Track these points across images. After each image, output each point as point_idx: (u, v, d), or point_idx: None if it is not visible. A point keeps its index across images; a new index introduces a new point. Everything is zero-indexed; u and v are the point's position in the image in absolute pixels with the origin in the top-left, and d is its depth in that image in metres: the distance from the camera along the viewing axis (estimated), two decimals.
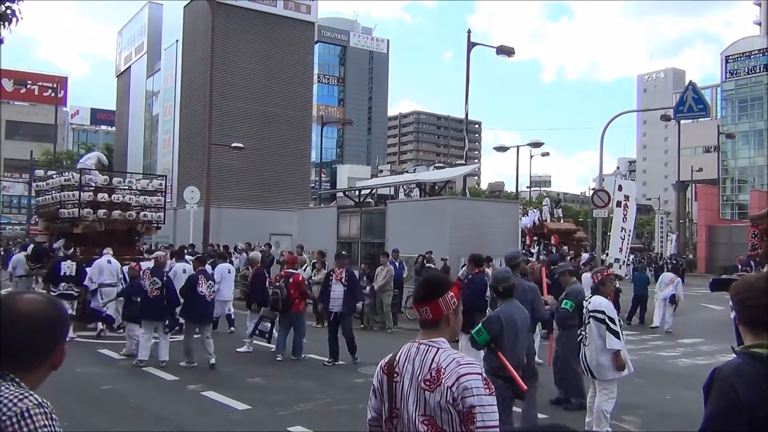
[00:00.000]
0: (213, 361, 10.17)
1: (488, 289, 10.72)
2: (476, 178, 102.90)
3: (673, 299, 16.41)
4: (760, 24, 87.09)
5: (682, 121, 41.20)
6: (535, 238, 30.92)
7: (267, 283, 12.29)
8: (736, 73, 72.22)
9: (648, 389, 9.30)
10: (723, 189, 67.26)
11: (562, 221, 33.56)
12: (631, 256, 26.93)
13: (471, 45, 22.31)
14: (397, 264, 16.23)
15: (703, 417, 2.39)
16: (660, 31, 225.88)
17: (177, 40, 38.24)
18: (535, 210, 33.29)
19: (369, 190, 24.15)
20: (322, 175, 65.65)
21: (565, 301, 8.32)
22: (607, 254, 18.26)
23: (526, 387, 5.24)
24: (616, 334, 6.33)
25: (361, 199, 22.91)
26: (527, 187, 60.73)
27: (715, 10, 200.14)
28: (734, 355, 2.49)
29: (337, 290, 10.78)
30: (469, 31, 22.29)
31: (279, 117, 35.79)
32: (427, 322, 2.63)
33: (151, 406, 8.04)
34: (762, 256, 17.52)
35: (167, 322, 10.73)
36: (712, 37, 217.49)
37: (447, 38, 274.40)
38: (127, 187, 16.58)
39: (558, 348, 8.61)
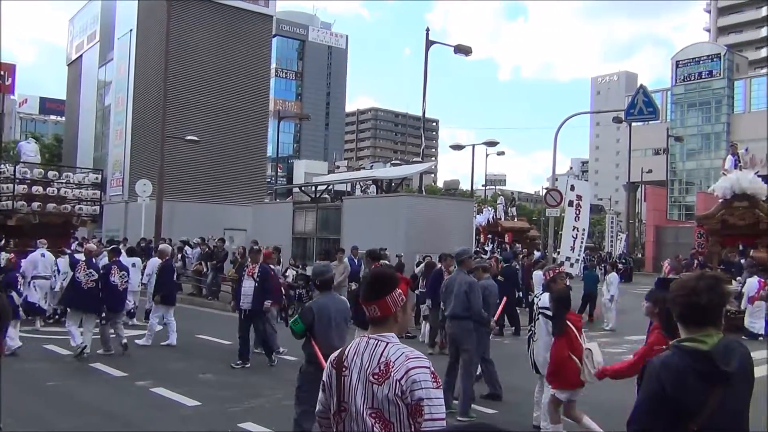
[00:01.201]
0: (125, 341, 10.80)
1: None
2: (433, 175, 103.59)
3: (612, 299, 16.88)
4: (709, 30, 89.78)
5: (633, 124, 42.25)
6: (490, 236, 31.35)
7: (175, 276, 12.28)
8: (685, 78, 74.34)
9: (594, 384, 9.51)
10: (671, 190, 69.17)
11: (515, 220, 34.10)
12: (584, 255, 27.52)
13: (429, 43, 22.41)
14: (356, 260, 16.24)
15: (634, 404, 2.53)
16: (613, 34, 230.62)
17: (131, 30, 37.43)
18: (490, 208, 33.75)
19: (325, 186, 24.11)
20: (279, 170, 65.14)
21: None
22: (559, 252, 18.60)
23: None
24: None
25: (317, 195, 22.86)
26: (483, 186, 61.48)
27: (667, 14, 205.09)
28: None
29: (248, 286, 10.30)
30: (427, 30, 22.39)
31: (235, 110, 35.35)
32: (375, 320, 2.65)
33: (98, 402, 7.89)
34: (707, 255, 18.15)
35: (103, 314, 10.78)
36: (663, 41, 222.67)
37: (405, 35, 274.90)
38: (63, 181, 16.77)
39: None
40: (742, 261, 16.56)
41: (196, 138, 25.18)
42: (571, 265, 18.07)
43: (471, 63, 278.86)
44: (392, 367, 2.48)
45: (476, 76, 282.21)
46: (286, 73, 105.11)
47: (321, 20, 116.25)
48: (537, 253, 24.74)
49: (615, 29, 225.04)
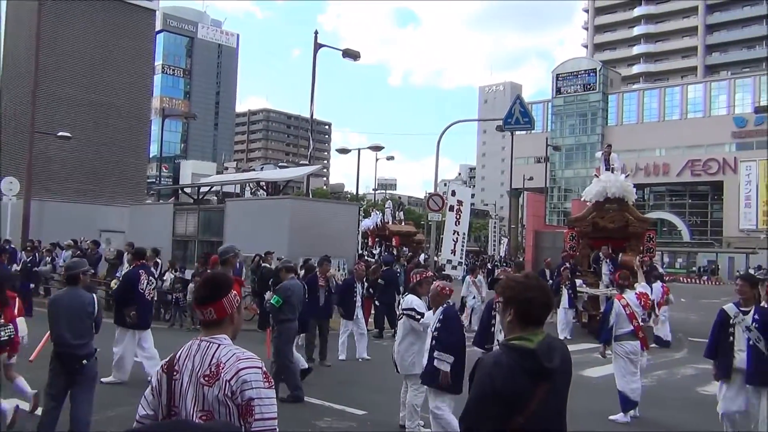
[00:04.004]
0: None
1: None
2: (324, 179, 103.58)
3: None
4: (587, 47, 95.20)
5: (516, 133, 44.01)
6: (377, 239, 31.75)
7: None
8: (564, 91, 78.48)
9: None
10: (550, 197, 72.61)
11: (403, 224, 34.66)
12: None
13: (318, 46, 22.34)
14: (237, 264, 15.89)
15: (466, 402, 2.59)
16: (501, 45, 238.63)
17: None
18: (378, 212, 34.12)
19: (209, 187, 23.54)
20: (164, 170, 62.94)
21: (273, 296, 8.68)
22: (440, 255, 19.06)
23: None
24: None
25: (201, 196, 22.26)
26: (373, 190, 62.04)
27: (550, 28, 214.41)
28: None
29: None
30: (316, 32, 22.30)
31: (113, 107, 33.81)
32: (210, 322, 2.63)
33: None
34: (578, 258, 18.82)
35: None
36: (546, 54, 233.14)
37: (298, 35, 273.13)
38: None
39: (273, 342, 8.75)
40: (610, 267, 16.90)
41: (68, 134, 23.88)
42: (453, 268, 18.55)
43: (364, 67, 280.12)
44: (222, 368, 2.47)
45: (369, 80, 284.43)
46: (173, 70, 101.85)
47: (211, 18, 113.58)
48: (422, 256, 25.28)
49: (502, 40, 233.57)
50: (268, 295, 13.04)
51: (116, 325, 9.20)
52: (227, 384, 2.43)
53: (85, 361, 6.06)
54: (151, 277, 9.49)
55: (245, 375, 2.44)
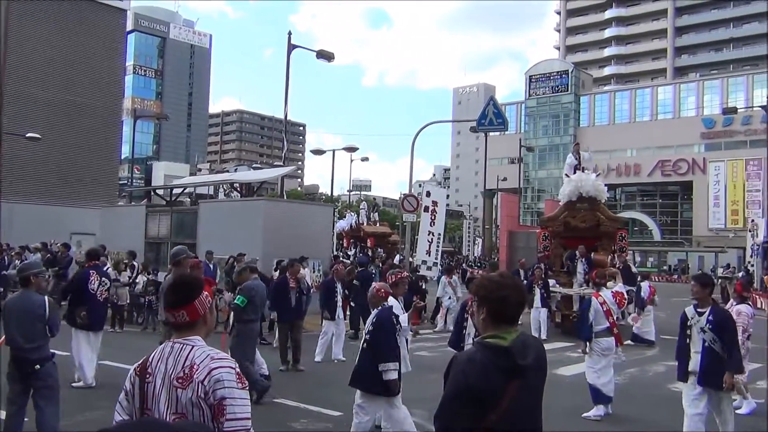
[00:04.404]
0: None
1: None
2: (299, 180, 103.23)
3: None
4: (559, 48, 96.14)
5: (490, 134, 44.27)
6: (352, 240, 31.71)
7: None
8: (537, 92, 79.17)
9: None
10: (524, 197, 73.17)
11: (378, 225, 34.66)
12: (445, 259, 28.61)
13: (291, 47, 22.27)
14: (211, 266, 15.78)
15: (441, 399, 2.61)
16: (473, 46, 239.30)
17: None
18: (353, 213, 34.07)
19: (182, 189, 23.32)
20: (136, 172, 62.23)
21: (237, 296, 8.68)
22: (415, 256, 19.10)
23: None
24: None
25: (174, 198, 22.05)
26: (348, 191, 61.90)
27: (523, 29, 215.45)
28: None
29: None
30: (289, 33, 22.21)
31: (84, 107, 33.34)
32: (183, 325, 2.61)
33: None
34: (551, 258, 18.92)
35: None
36: (519, 55, 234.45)
37: (270, 35, 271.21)
38: None
39: (231, 342, 8.70)
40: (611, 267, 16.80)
41: (37, 135, 23.49)
42: (429, 269, 18.61)
43: (338, 68, 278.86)
44: (196, 369, 2.45)
45: (343, 81, 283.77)
46: (145, 71, 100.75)
47: (184, 18, 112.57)
48: (398, 257, 25.32)
49: (475, 41, 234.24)
50: (227, 296, 12.94)
51: (69, 325, 9.02)
52: (200, 385, 2.42)
53: (38, 366, 5.89)
54: (103, 278, 9.36)
55: (217, 374, 2.43)
